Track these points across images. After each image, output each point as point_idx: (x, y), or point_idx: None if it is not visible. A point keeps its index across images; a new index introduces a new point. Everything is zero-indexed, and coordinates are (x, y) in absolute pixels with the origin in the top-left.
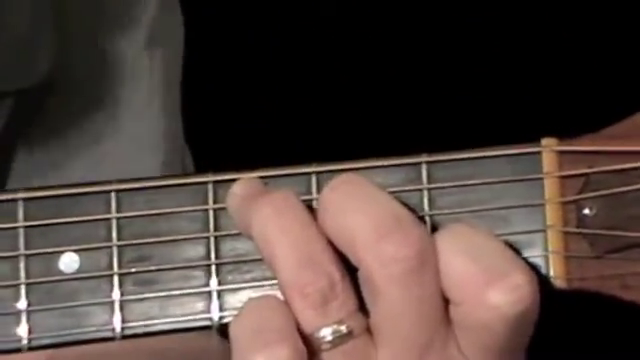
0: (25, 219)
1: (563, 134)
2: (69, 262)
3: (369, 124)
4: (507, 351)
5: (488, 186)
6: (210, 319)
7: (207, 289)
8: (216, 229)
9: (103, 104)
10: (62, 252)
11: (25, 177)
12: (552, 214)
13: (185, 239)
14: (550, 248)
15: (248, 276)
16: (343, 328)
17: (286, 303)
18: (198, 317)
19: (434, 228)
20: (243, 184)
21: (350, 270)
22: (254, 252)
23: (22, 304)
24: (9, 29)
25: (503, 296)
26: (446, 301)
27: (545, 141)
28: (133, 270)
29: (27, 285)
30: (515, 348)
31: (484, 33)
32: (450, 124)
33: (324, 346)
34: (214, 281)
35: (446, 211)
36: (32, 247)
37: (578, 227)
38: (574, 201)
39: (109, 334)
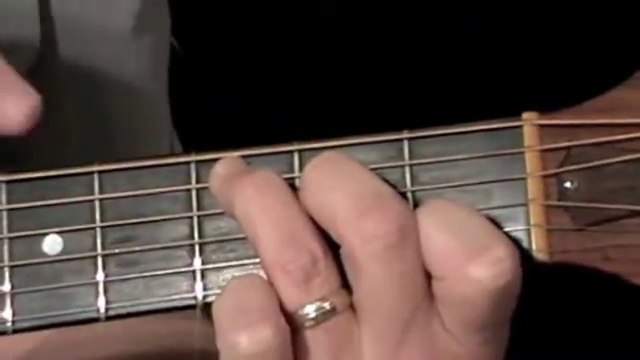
0: (8, 202)
1: (544, 108)
2: (52, 244)
3: (350, 102)
4: (490, 325)
5: (470, 161)
6: (194, 298)
7: (191, 269)
8: (199, 209)
9: (89, 91)
10: (45, 234)
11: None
12: (533, 188)
13: (168, 219)
14: (532, 222)
15: (232, 255)
16: (326, 305)
17: (268, 282)
18: (182, 297)
19: (416, 204)
20: (225, 164)
21: (333, 247)
22: (237, 231)
23: (6, 287)
24: None
25: (485, 270)
26: (428, 277)
27: (526, 115)
28: (117, 251)
29: (10, 268)
30: (498, 322)
31: (465, 11)
32: (431, 100)
33: (307, 323)
34: (198, 261)
35: (428, 187)
36: (15, 230)
37: (559, 200)
38: (555, 174)
39: (94, 315)
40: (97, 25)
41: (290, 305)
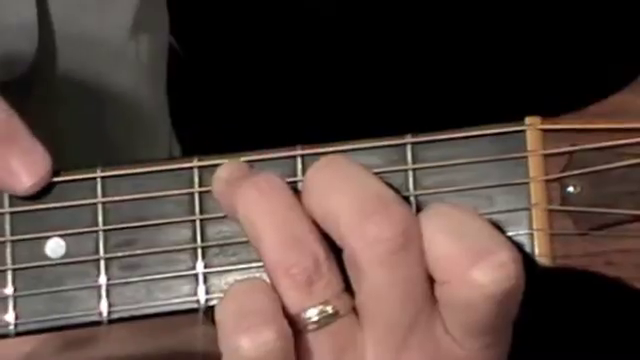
0: (11, 205)
1: (547, 113)
2: (55, 247)
3: (353, 106)
4: (493, 329)
5: (472, 165)
6: (197, 302)
7: (193, 272)
8: (202, 212)
9: (88, 91)
10: (48, 237)
11: None
12: (536, 192)
13: (171, 223)
14: (534, 226)
15: (234, 259)
16: (329, 308)
17: (271, 285)
18: (185, 300)
19: (419, 208)
20: (228, 167)
21: (336, 251)
22: (240, 235)
23: (9, 290)
24: None
25: (488, 274)
26: (431, 280)
27: (529, 119)
28: (119, 254)
29: (14, 271)
30: (501, 326)
31: (468, 15)
32: (434, 104)
33: (310, 327)
34: (200, 264)
35: (431, 191)
36: (18, 233)
37: (562, 205)
38: (558, 179)
39: (96, 318)
40: (96, 27)
41: (293, 308)
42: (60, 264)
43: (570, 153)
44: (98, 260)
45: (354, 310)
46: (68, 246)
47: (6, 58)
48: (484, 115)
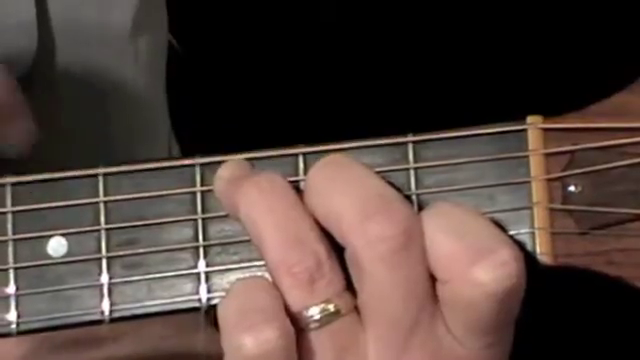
0: (13, 204)
1: (548, 112)
2: (57, 246)
3: (355, 105)
4: (494, 328)
5: (474, 164)
6: (199, 301)
7: (195, 271)
8: (204, 211)
9: (88, 91)
10: (50, 236)
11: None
12: (538, 191)
13: (173, 222)
14: (536, 225)
15: (236, 257)
16: (331, 307)
17: (273, 283)
18: (186, 299)
19: (421, 207)
20: (230, 166)
21: (338, 249)
22: (242, 234)
23: (11, 289)
24: None
25: (489, 273)
26: (433, 279)
27: (530, 119)
28: (121, 253)
29: (15, 270)
30: (502, 325)
31: (469, 15)
32: (436, 104)
33: (312, 325)
34: (202, 263)
35: (432, 190)
36: (20, 232)
37: (564, 204)
38: (559, 178)
39: (98, 317)
40: (95, 27)
41: (294, 307)
42: (62, 263)
43: (571, 152)
44: (100, 259)
45: (356, 309)
46: (70, 245)
47: (5, 58)
48: (486, 114)
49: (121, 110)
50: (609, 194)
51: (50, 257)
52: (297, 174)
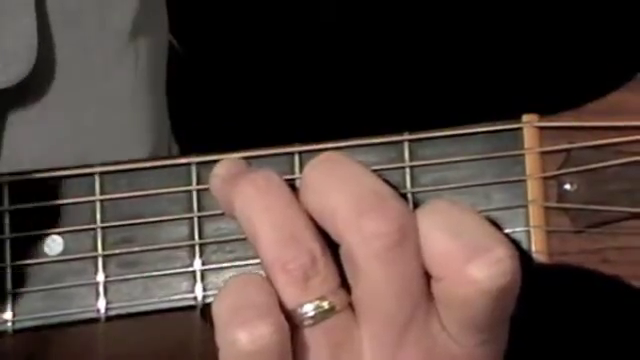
0: (10, 203)
1: (544, 111)
2: (53, 245)
3: (351, 104)
4: (489, 326)
5: (470, 163)
6: (194, 299)
7: (191, 269)
8: (200, 210)
9: (86, 99)
10: (46, 235)
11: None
12: (533, 189)
13: (169, 220)
14: (531, 223)
15: (232, 256)
16: (325, 304)
17: (268, 280)
18: (182, 297)
19: (416, 206)
20: (226, 164)
21: (333, 247)
22: (238, 232)
23: (7, 287)
24: None
25: (484, 271)
26: (428, 277)
27: (526, 117)
28: (117, 252)
29: (12, 268)
30: (497, 323)
31: (465, 14)
32: (432, 103)
33: (306, 322)
34: (198, 261)
35: (428, 188)
36: (17, 230)
37: (559, 202)
38: (555, 177)
39: (94, 315)
40: (95, 29)
41: (289, 304)
42: (58, 261)
43: (567, 151)
44: (96, 257)
45: (351, 306)
46: (66, 243)
47: (4, 64)
48: (482, 113)
49: (121, 111)
50: (604, 192)
51: (46, 255)
52: (293, 173)
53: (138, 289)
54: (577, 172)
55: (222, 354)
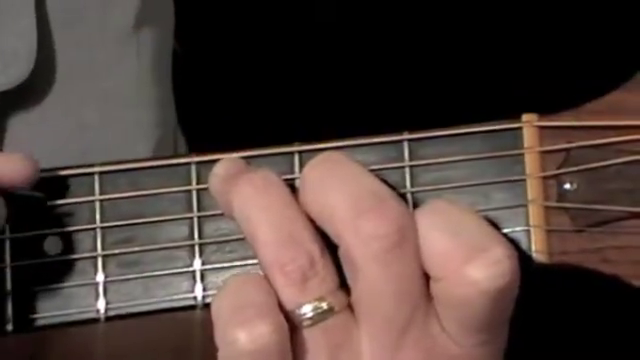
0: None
1: (544, 110)
2: (53, 245)
3: (351, 103)
4: (488, 326)
5: (470, 162)
6: (194, 299)
7: (191, 269)
8: (199, 209)
9: (88, 96)
10: (46, 235)
11: None
12: (533, 189)
13: (169, 220)
14: (531, 222)
15: (232, 256)
16: (324, 305)
17: (267, 280)
18: (182, 297)
19: (416, 205)
20: (225, 164)
21: (332, 247)
22: (237, 232)
23: (7, 287)
24: None
25: (483, 271)
26: (427, 278)
27: (526, 117)
28: (117, 252)
29: (12, 268)
30: (496, 323)
31: (465, 13)
32: (432, 102)
33: (305, 323)
34: (198, 261)
35: (428, 188)
36: (17, 230)
37: (559, 202)
38: (555, 176)
39: (93, 315)
40: (96, 26)
41: (288, 305)
42: (57, 261)
43: (567, 150)
44: (95, 257)
45: (350, 307)
46: (66, 243)
47: (4, 66)
48: (481, 112)
49: (124, 107)
50: (604, 192)
51: (46, 255)
52: (293, 172)
53: (138, 289)
54: (577, 171)
55: (221, 354)
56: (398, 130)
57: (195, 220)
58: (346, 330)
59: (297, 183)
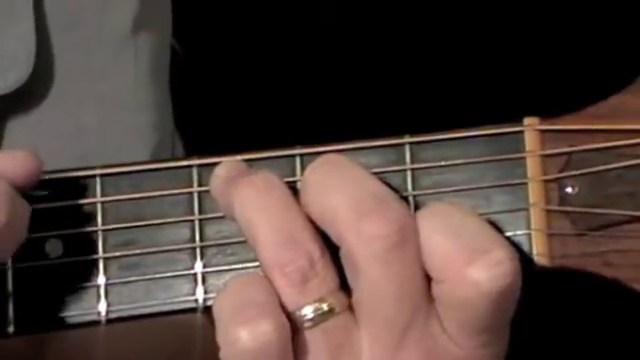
0: None
1: (545, 114)
2: (54, 247)
3: (353, 106)
4: (490, 328)
5: (471, 166)
6: (195, 301)
7: (192, 272)
8: (201, 212)
9: (86, 100)
10: (47, 237)
11: None
12: (534, 192)
13: (170, 222)
14: (533, 226)
15: (233, 258)
16: (324, 306)
17: (268, 280)
18: (183, 300)
19: (417, 208)
20: (226, 166)
21: (333, 248)
22: (239, 234)
23: (8, 289)
24: None
25: (484, 272)
26: (428, 279)
27: (528, 120)
28: (118, 254)
29: (13, 270)
30: (498, 325)
31: (467, 16)
32: (433, 105)
33: (306, 324)
34: (199, 264)
35: (429, 191)
36: None
37: (560, 205)
38: (556, 179)
39: (95, 318)
40: (95, 29)
41: (289, 306)
42: (59, 264)
43: (568, 154)
44: (97, 260)
45: (351, 308)
46: (67, 245)
47: (3, 70)
48: (483, 116)
49: (122, 110)
50: (606, 195)
51: (47, 257)
52: (294, 175)
53: (139, 292)
54: (578, 175)
55: (223, 353)
56: (399, 133)
57: (196, 222)
58: (347, 331)
59: (299, 186)
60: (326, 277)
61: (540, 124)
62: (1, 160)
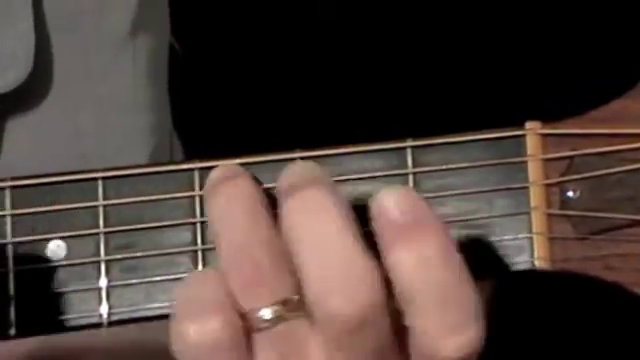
0: (12, 207)
1: (547, 118)
2: (56, 249)
3: (354, 109)
4: None
5: (473, 169)
6: None
7: None
8: (202, 215)
9: (85, 101)
10: (49, 239)
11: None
12: (536, 196)
13: (171, 225)
14: (534, 230)
15: None
16: (275, 311)
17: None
18: None
19: None
20: (219, 170)
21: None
22: None
23: (10, 292)
24: None
25: (456, 350)
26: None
27: (529, 124)
28: (120, 257)
29: (15, 273)
30: None
31: (468, 19)
32: (435, 109)
33: (260, 326)
34: (200, 267)
35: (431, 195)
36: (19, 235)
37: (562, 209)
38: (558, 183)
39: (96, 320)
40: (93, 30)
41: (243, 306)
42: (61, 266)
43: (570, 158)
44: (99, 262)
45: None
46: (69, 248)
47: (2, 69)
48: (485, 120)
49: (120, 112)
50: (607, 199)
51: (49, 260)
52: None
53: (140, 294)
54: (580, 179)
55: (173, 345)
56: (401, 137)
57: (198, 226)
58: (297, 338)
59: None
60: (275, 287)
61: (542, 128)
62: None
